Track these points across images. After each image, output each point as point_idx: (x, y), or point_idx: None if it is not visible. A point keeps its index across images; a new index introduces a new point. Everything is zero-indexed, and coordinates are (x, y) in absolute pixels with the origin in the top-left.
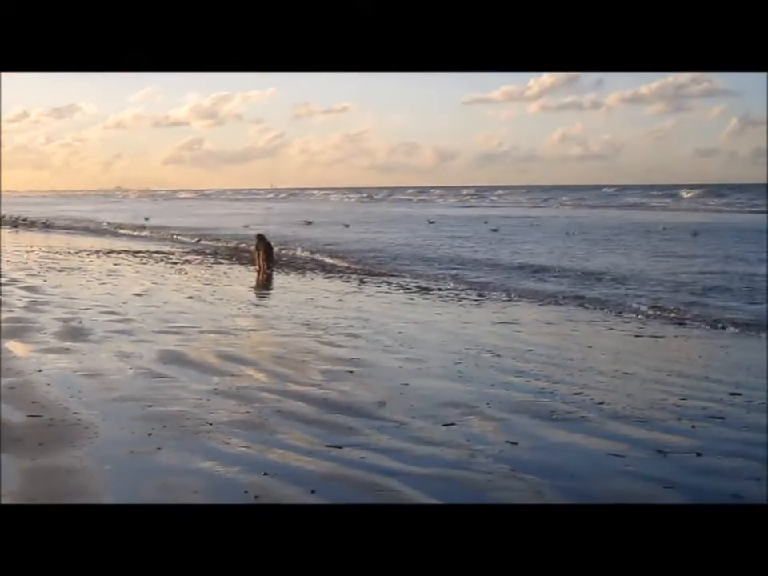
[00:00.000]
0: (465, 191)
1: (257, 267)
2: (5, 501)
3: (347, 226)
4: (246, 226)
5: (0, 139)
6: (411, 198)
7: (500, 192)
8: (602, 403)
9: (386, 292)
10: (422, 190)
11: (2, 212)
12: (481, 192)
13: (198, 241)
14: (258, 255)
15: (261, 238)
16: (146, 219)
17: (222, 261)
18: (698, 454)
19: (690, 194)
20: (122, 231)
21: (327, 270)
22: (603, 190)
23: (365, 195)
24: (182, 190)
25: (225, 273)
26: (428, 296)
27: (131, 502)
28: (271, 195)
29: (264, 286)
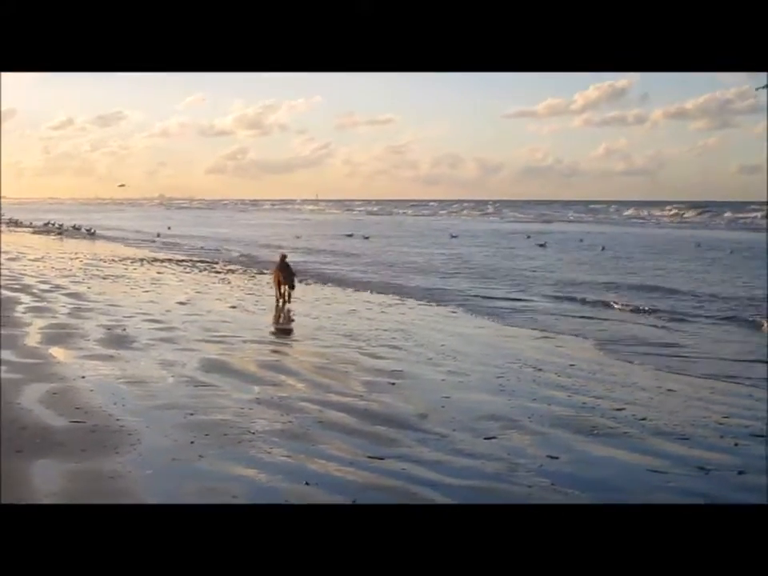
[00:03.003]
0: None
1: (276, 296)
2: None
3: (367, 238)
4: (297, 237)
5: (0, 142)
6: (456, 211)
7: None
8: (644, 419)
9: (428, 305)
10: (467, 203)
11: (47, 219)
12: (527, 206)
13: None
14: (278, 283)
15: (282, 262)
16: (169, 228)
17: (265, 271)
18: (740, 472)
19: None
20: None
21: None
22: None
23: (409, 207)
24: (226, 200)
25: (268, 283)
26: (470, 309)
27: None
28: (314, 206)
29: (285, 319)
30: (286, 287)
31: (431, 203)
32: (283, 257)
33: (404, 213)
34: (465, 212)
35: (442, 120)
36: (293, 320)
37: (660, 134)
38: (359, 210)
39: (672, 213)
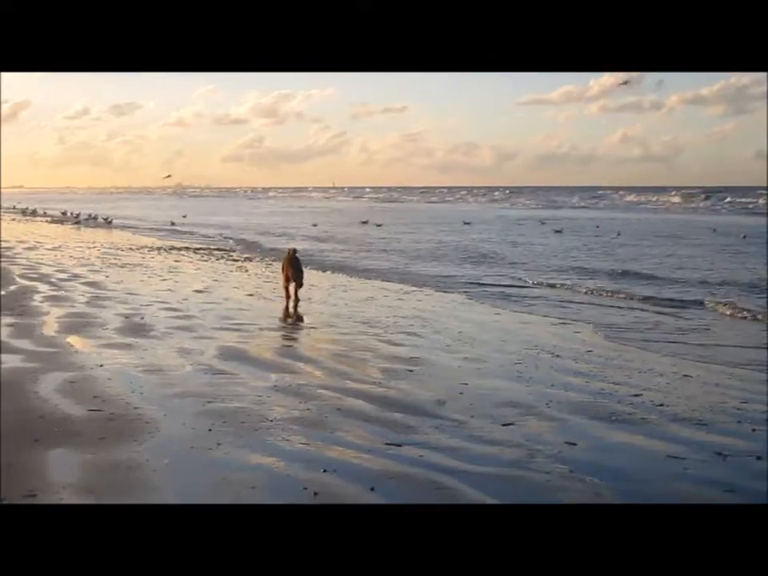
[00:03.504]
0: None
1: (283, 295)
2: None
3: (379, 225)
4: (314, 225)
5: (0, 137)
6: (463, 197)
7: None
8: (661, 405)
9: (444, 292)
10: (482, 190)
11: (64, 208)
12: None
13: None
14: (286, 279)
15: (292, 256)
16: (184, 216)
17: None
18: (758, 458)
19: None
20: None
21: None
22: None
23: (422, 194)
24: (237, 188)
25: None
26: (487, 296)
27: (165, 503)
28: (324, 194)
29: (302, 306)
30: (295, 286)
31: (439, 190)
32: (292, 251)
33: (412, 200)
34: (471, 198)
35: (457, 107)
36: (310, 308)
37: (676, 120)
38: (369, 197)
39: (676, 199)
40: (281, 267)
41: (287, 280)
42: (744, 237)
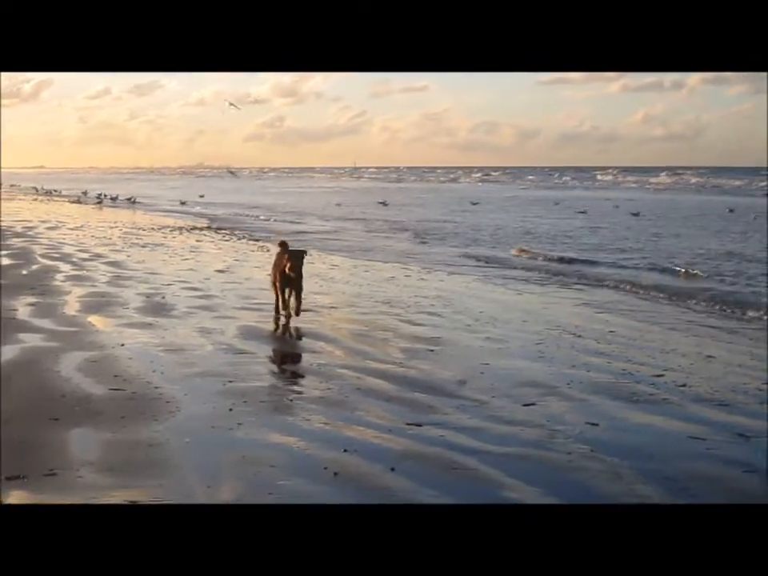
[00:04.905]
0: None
1: (275, 302)
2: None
3: (386, 204)
4: (338, 205)
5: (0, 123)
6: (454, 179)
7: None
8: (683, 386)
9: (466, 273)
10: (484, 170)
11: (86, 188)
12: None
13: None
14: (280, 283)
15: (284, 250)
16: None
17: (302, 239)
18: None
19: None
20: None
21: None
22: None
23: (424, 173)
24: (246, 168)
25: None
26: (508, 276)
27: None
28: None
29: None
30: (292, 289)
31: (440, 169)
32: (283, 244)
33: (410, 179)
34: (468, 179)
35: (477, 86)
36: (331, 287)
37: (698, 100)
38: (369, 178)
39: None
40: (274, 264)
41: (281, 283)
42: (755, 218)
